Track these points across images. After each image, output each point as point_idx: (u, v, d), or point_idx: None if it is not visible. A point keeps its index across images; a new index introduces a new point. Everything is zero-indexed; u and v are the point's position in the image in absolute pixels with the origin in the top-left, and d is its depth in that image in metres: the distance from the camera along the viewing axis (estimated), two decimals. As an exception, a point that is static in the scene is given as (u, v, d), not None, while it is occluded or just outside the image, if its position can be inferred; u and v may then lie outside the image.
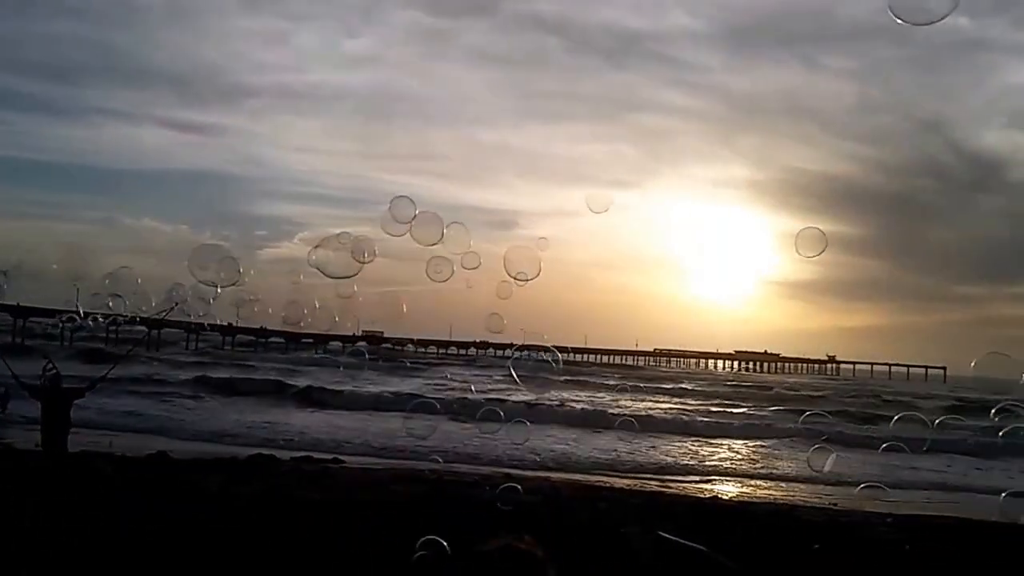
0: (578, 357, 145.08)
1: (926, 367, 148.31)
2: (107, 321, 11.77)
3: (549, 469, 21.18)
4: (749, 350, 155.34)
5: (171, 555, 8.63)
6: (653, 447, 26.25)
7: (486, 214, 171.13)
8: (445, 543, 3.85)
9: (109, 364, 13.44)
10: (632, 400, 47.35)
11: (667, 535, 4.39)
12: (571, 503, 14.30)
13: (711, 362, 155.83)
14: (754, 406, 46.15)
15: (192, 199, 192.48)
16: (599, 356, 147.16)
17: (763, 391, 60.75)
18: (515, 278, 8.82)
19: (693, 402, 48.74)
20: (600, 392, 51.40)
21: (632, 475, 21.41)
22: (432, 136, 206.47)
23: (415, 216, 7.94)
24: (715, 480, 21.75)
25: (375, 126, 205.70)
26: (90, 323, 11.99)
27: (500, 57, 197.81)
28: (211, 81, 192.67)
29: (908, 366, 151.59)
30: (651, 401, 48.17)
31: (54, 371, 12.50)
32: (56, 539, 8.42)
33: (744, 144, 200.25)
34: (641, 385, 59.38)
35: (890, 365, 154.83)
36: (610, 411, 35.56)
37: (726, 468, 23.99)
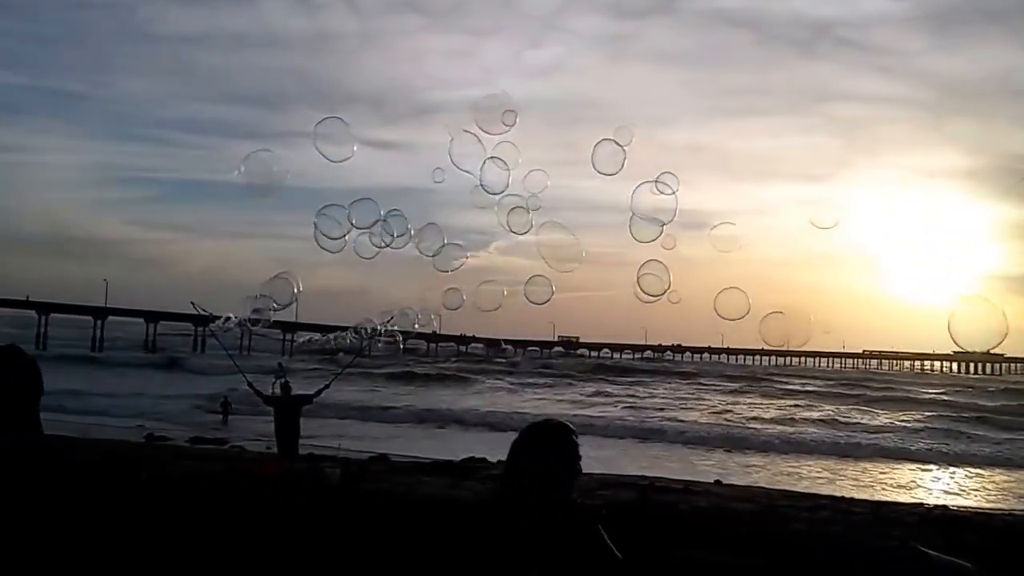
0: (779, 361, 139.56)
1: None
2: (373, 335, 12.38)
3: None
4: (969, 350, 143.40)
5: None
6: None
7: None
8: None
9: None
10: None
11: (929, 551, 4.03)
12: (787, 510, 13.69)
13: (926, 364, 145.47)
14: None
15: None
16: (804, 359, 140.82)
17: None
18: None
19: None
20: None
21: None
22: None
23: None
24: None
25: (561, 133, 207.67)
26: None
27: (686, 55, 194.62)
28: (404, 99, 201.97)
29: None
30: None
31: (285, 380, 13.40)
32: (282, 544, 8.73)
33: (956, 130, 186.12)
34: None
35: None
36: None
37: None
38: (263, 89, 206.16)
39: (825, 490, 18.71)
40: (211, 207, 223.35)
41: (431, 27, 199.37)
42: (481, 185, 9.62)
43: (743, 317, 9.18)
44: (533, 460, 2.85)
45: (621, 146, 9.50)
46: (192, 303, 13.19)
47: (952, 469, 24.83)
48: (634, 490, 15.09)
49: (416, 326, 11.30)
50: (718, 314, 9.23)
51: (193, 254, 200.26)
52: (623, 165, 9.54)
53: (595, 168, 9.54)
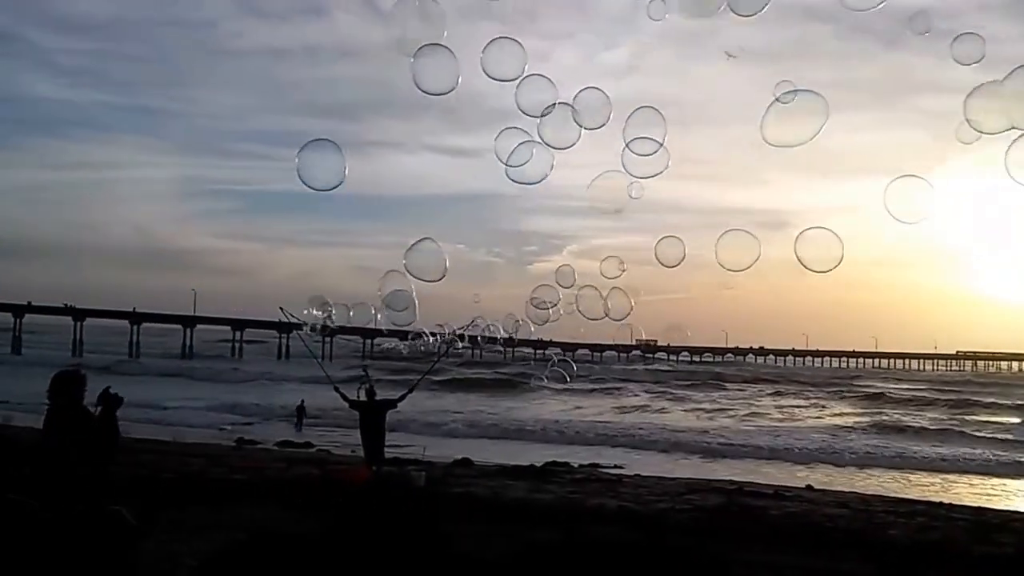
0: (868, 363, 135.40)
1: None
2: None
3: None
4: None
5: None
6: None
7: (754, 215, 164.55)
8: None
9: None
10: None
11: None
12: (884, 516, 13.25)
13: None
14: None
15: (466, 220, 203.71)
16: (892, 361, 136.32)
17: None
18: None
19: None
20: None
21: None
22: (694, 140, 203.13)
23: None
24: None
25: (636, 135, 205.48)
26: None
27: (763, 51, 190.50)
28: (476, 106, 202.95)
29: None
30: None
31: (370, 385, 13.59)
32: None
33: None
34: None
35: None
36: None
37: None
38: (341, 100, 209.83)
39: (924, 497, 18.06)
40: (294, 217, 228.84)
41: (504, 33, 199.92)
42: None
43: None
44: None
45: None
46: (281, 308, 13.39)
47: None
48: (722, 495, 14.83)
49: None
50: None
51: (277, 263, 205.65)
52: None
53: None
